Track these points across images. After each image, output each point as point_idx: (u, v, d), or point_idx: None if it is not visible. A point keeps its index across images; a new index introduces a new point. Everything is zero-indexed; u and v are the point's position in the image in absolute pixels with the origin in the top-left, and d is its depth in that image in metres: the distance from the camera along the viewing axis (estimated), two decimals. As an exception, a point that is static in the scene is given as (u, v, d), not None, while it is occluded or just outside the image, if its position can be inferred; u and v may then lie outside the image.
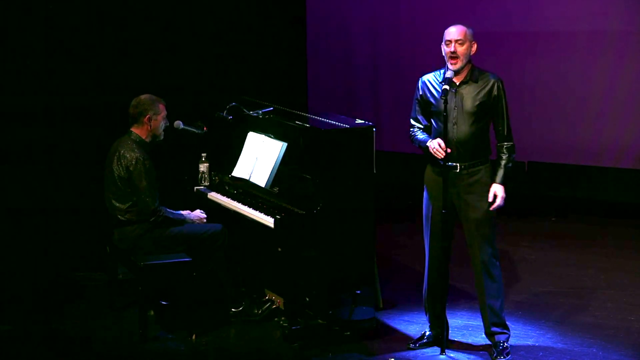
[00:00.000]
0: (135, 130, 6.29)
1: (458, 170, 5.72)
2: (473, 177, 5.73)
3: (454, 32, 5.66)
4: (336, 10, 10.65)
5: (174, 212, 6.33)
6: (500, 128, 5.74)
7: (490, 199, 5.69)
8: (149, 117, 6.26)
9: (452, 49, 5.63)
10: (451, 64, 5.67)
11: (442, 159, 5.63)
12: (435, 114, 5.74)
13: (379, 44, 10.48)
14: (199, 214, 6.44)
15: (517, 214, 9.04)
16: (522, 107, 9.37)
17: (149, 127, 6.29)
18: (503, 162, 5.71)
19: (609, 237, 8.49)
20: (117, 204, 6.21)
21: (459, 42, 5.64)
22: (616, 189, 9.50)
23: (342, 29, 10.65)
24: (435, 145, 5.63)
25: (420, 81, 5.83)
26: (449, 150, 5.61)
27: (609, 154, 9.40)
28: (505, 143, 5.73)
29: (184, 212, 6.40)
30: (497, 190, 5.69)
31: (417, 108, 5.87)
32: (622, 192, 9.48)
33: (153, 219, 6.19)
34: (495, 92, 5.68)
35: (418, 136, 5.84)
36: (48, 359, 5.98)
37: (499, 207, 5.70)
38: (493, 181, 5.71)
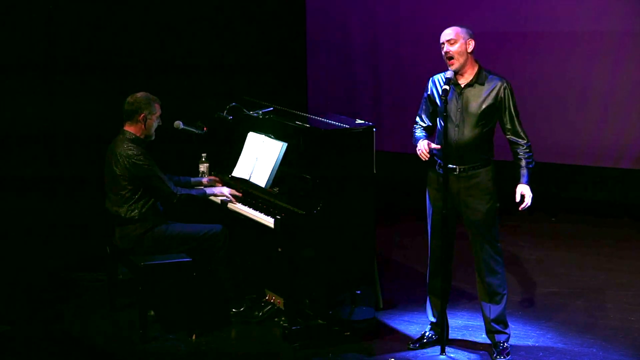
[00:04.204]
0: (128, 128, 6.25)
1: (457, 173, 5.71)
2: (473, 179, 5.72)
3: (445, 34, 5.66)
4: (336, 10, 10.64)
5: (193, 190, 6.38)
6: (510, 127, 5.67)
7: (517, 199, 5.66)
8: (144, 116, 6.23)
9: (446, 50, 5.64)
10: (449, 64, 5.66)
11: (441, 160, 5.63)
12: (440, 114, 5.73)
13: (379, 44, 10.47)
14: (221, 189, 6.44)
15: (518, 214, 9.00)
16: (522, 107, 9.33)
17: (143, 126, 6.24)
18: (524, 164, 5.65)
19: (609, 237, 8.48)
20: (118, 203, 6.19)
21: (450, 41, 5.62)
22: (616, 189, 9.50)
23: (342, 29, 10.65)
24: (420, 147, 5.63)
25: (430, 80, 5.82)
26: (435, 149, 5.59)
27: (609, 154, 9.39)
28: (522, 143, 5.66)
29: (207, 189, 6.44)
30: (523, 190, 5.66)
31: (424, 107, 5.86)
32: (622, 192, 9.47)
33: (175, 200, 6.21)
34: (501, 94, 5.64)
35: (416, 134, 5.83)
36: (48, 359, 5.98)
37: (527, 207, 5.67)
38: (519, 182, 5.66)
